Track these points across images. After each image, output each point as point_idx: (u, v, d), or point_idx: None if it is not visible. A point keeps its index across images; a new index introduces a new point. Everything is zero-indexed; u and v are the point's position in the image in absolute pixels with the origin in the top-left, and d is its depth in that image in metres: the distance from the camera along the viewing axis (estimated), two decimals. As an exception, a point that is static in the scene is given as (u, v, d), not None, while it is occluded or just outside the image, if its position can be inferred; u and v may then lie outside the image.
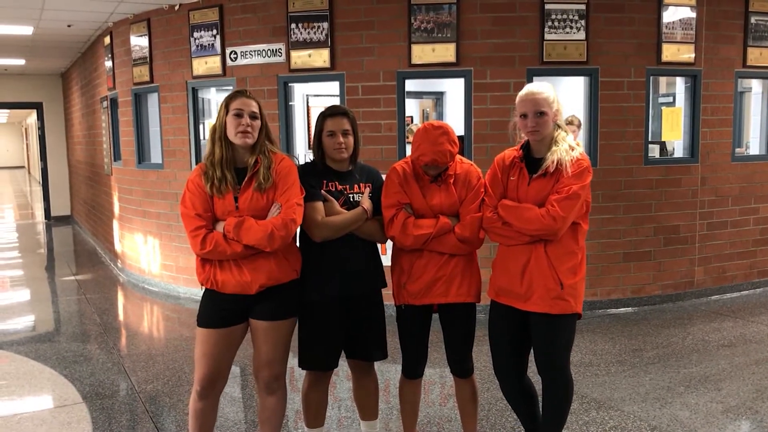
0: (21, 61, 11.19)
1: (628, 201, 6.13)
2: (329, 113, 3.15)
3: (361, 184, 3.15)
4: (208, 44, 6.48)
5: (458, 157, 3.15)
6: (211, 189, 2.90)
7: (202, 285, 3.02)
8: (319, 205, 3.04)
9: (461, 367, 3.23)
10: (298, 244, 3.13)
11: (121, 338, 6.11)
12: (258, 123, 2.93)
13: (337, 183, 3.12)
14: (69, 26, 7.99)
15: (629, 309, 6.25)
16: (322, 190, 3.09)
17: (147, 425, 4.05)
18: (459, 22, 5.76)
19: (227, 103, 2.95)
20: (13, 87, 13.28)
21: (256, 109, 2.93)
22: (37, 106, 13.76)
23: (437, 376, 4.06)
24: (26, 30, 8.05)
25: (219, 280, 2.93)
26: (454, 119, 7.15)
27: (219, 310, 2.98)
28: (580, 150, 2.94)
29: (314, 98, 7.28)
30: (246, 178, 2.92)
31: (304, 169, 3.13)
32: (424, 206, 3.09)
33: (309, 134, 7.13)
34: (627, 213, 6.15)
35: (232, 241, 2.85)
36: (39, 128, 14.11)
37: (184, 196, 2.97)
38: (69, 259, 10.44)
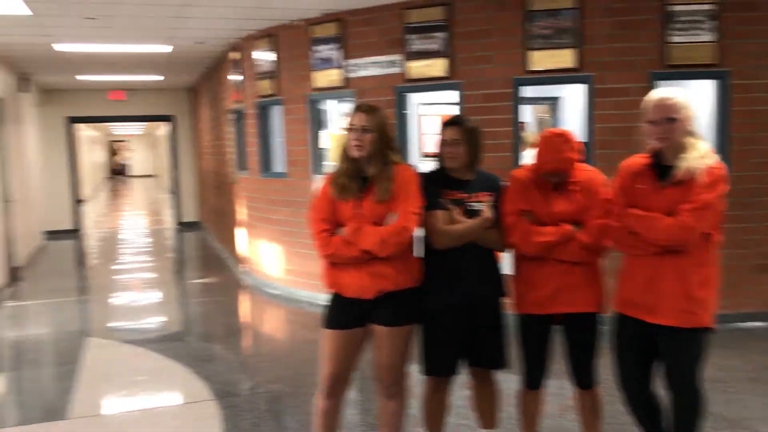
0: (160, 77, 12.01)
1: (762, 209, 5.78)
2: (445, 123, 3.23)
3: (481, 193, 3.17)
4: (329, 57, 6.69)
5: (581, 164, 3.12)
6: (336, 195, 3.05)
7: (327, 288, 3.15)
8: (440, 213, 3.10)
9: (584, 379, 3.18)
10: (416, 252, 3.19)
11: (246, 339, 6.42)
12: (370, 136, 3.02)
13: (458, 191, 3.16)
14: (200, 43, 8.49)
15: (762, 323, 5.88)
16: (443, 199, 3.14)
17: (272, 424, 4.24)
18: (579, 26, 5.66)
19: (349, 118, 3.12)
20: (149, 101, 14.24)
21: (366, 123, 3.03)
22: (170, 119, 14.69)
23: (557, 387, 3.99)
24: (166, 48, 8.63)
25: (341, 283, 3.08)
26: (571, 125, 7.00)
27: (341, 313, 3.12)
28: (714, 158, 2.83)
29: (425, 107, 7.35)
30: (368, 189, 3.03)
31: (427, 178, 3.20)
32: (545, 214, 3.07)
33: (422, 143, 7.22)
34: (761, 222, 5.80)
35: (350, 244, 2.98)
36: (171, 140, 15.04)
37: (313, 202, 3.16)
38: (197, 263, 11.06)
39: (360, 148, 3.03)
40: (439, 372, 3.25)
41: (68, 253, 12.11)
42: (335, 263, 3.09)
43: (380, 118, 3.08)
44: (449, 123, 3.23)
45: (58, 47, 8.25)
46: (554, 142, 3.02)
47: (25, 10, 6.14)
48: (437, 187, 3.16)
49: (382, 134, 3.05)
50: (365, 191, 3.04)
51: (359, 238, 2.97)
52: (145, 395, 4.81)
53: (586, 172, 3.12)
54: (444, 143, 3.18)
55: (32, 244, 11.03)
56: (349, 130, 3.07)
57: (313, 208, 3.16)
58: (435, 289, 3.15)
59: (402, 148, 6.42)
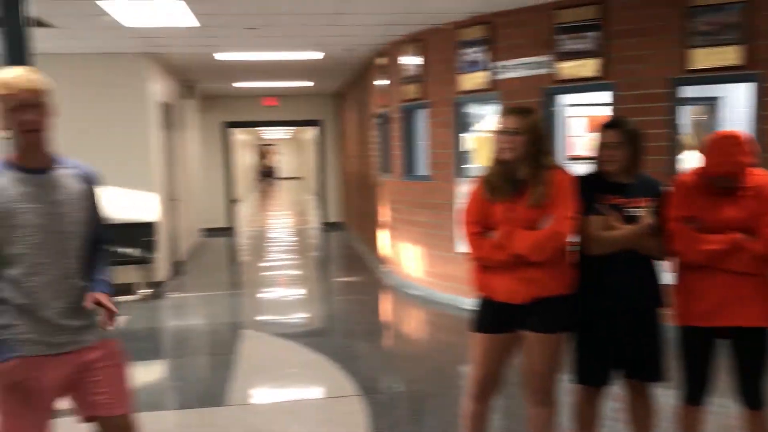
0: (310, 83, 12.54)
1: None
2: (605, 125, 3.14)
3: (641, 198, 3.04)
4: (475, 60, 6.68)
5: (754, 168, 2.91)
6: (488, 196, 3.04)
7: (477, 291, 3.15)
8: (596, 219, 3.01)
9: (752, 399, 2.97)
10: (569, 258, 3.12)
11: (388, 338, 6.54)
12: (521, 138, 2.98)
13: (616, 196, 3.05)
14: (349, 50, 8.76)
15: None
16: (600, 204, 3.04)
17: (416, 423, 4.29)
18: (747, 22, 5.27)
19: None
20: (298, 106, 14.89)
21: (517, 126, 2.99)
22: (318, 123, 15.27)
23: (720, 405, 3.75)
24: (318, 55, 9.00)
25: (491, 287, 3.05)
26: (732, 127, 6.54)
27: (491, 317, 3.10)
28: None
29: (572, 108, 7.14)
30: (520, 192, 2.99)
31: (583, 182, 3.11)
32: (713, 221, 2.89)
33: (568, 145, 7.03)
34: None
35: (502, 248, 2.95)
36: (318, 143, 15.63)
37: (466, 204, 3.17)
38: (340, 262, 11.42)
39: (511, 151, 3.00)
40: (591, 381, 3.15)
41: (222, 250, 12.90)
42: (486, 266, 3.08)
43: (532, 120, 3.04)
44: (609, 125, 3.13)
45: (218, 56, 8.82)
46: (725, 145, 2.84)
47: (195, 22, 6.61)
48: (593, 191, 3.06)
49: (534, 137, 3.00)
50: (518, 194, 3.01)
51: (511, 242, 2.94)
52: (295, 387, 5.03)
53: (759, 176, 2.91)
54: (603, 146, 3.08)
55: (192, 240, 11.85)
56: (500, 132, 3.05)
57: (465, 211, 3.16)
58: (589, 297, 3.06)
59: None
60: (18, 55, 4.23)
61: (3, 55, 4.20)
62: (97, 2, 5.65)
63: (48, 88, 2.44)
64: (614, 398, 3.46)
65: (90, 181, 2.59)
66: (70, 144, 8.84)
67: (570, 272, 3.06)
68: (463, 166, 7.03)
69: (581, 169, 3.25)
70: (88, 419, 2.60)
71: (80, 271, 2.52)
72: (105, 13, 6.02)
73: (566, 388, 3.30)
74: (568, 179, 3.02)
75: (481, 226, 3.06)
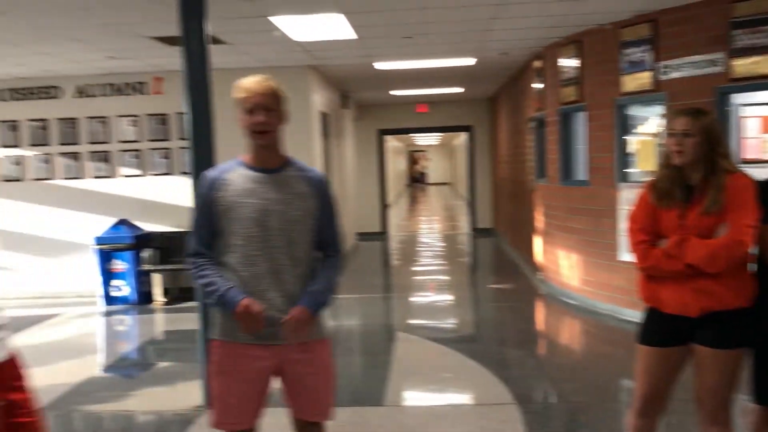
0: (460, 89, 12.58)
1: None
2: None
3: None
4: (639, 60, 6.39)
5: None
6: (657, 202, 2.90)
7: (644, 301, 3.01)
8: (782, 228, 2.77)
9: None
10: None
11: (543, 347, 6.40)
12: (692, 141, 2.80)
13: (804, 203, 2.80)
14: (504, 54, 8.69)
15: None
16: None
17: (576, 435, 4.17)
18: None
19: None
20: (449, 112, 14.97)
21: (688, 127, 2.81)
22: (468, 129, 15.26)
23: None
24: (470, 61, 9.02)
25: (661, 298, 2.89)
26: None
27: (659, 329, 2.94)
28: None
29: (747, 108, 6.61)
30: (693, 198, 2.83)
31: (764, 187, 2.88)
32: None
33: (742, 147, 6.52)
34: None
35: (673, 258, 2.79)
36: (468, 149, 15.61)
37: (632, 211, 3.03)
38: (491, 268, 11.33)
39: (681, 155, 2.83)
40: (772, 403, 2.91)
41: (375, 254, 13.22)
42: (653, 276, 2.93)
43: (706, 122, 2.85)
44: None
45: (378, 66, 9.08)
46: None
47: (352, 35, 6.86)
48: (780, 198, 2.83)
49: (707, 139, 2.81)
50: (690, 200, 2.83)
51: (684, 251, 2.77)
52: (449, 392, 5.05)
53: None
54: None
55: (348, 243, 12.25)
56: (671, 135, 2.89)
57: (631, 218, 3.02)
58: (771, 311, 2.82)
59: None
60: (197, 71, 4.60)
61: (183, 71, 4.60)
62: (270, 18, 6.01)
63: (282, 95, 2.65)
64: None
65: (317, 185, 2.69)
66: (245, 151, 9.40)
67: (749, 284, 2.83)
68: (625, 171, 6.74)
69: (758, 173, 3.00)
70: (294, 420, 2.75)
71: (296, 269, 2.62)
72: (276, 29, 6.39)
73: (743, 408, 3.07)
74: (747, 184, 2.80)
75: (649, 234, 2.90)
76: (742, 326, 2.82)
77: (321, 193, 2.69)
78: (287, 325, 2.55)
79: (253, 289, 2.57)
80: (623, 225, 6.60)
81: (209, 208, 2.62)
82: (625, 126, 6.80)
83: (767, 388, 2.88)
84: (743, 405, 3.05)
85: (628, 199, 6.56)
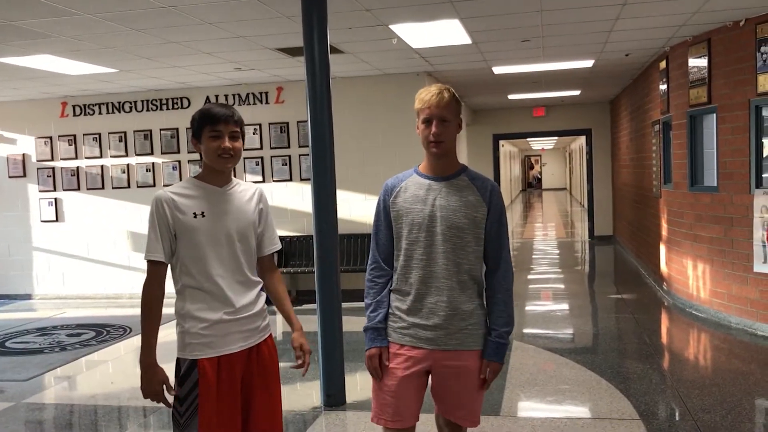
0: (576, 92, 12.24)
1: None
2: None
3: None
4: (778, 57, 5.98)
5: None
6: None
7: None
8: None
9: None
10: None
11: (670, 361, 6.09)
12: None
13: None
14: (627, 55, 8.38)
15: None
16: None
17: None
18: None
19: None
20: (566, 116, 14.60)
21: None
22: (587, 133, 14.81)
23: None
24: (587, 63, 8.76)
25: None
26: None
27: None
28: None
29: None
30: None
31: None
32: None
33: None
34: None
35: None
36: (587, 153, 15.14)
37: None
38: (611, 277, 10.90)
39: None
40: None
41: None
42: None
43: None
44: None
45: (497, 70, 8.99)
46: None
47: (467, 40, 6.83)
48: None
49: None
50: None
51: None
52: (567, 404, 4.90)
53: None
54: None
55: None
56: None
57: None
58: None
59: None
60: (318, 80, 4.74)
61: (306, 80, 4.75)
62: (390, 26, 6.10)
63: (457, 106, 2.68)
64: None
65: (488, 195, 2.67)
66: (362, 158, 9.56)
67: None
68: (761, 176, 6.31)
69: None
70: (440, 417, 2.85)
71: (460, 275, 2.65)
72: (395, 36, 6.48)
73: None
74: None
75: None
76: None
77: (491, 202, 2.69)
78: (487, 384, 2.71)
79: (415, 291, 2.65)
80: (760, 234, 6.19)
81: (386, 213, 2.73)
82: (762, 128, 6.37)
83: None
84: None
85: (765, 206, 6.14)
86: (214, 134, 2.57)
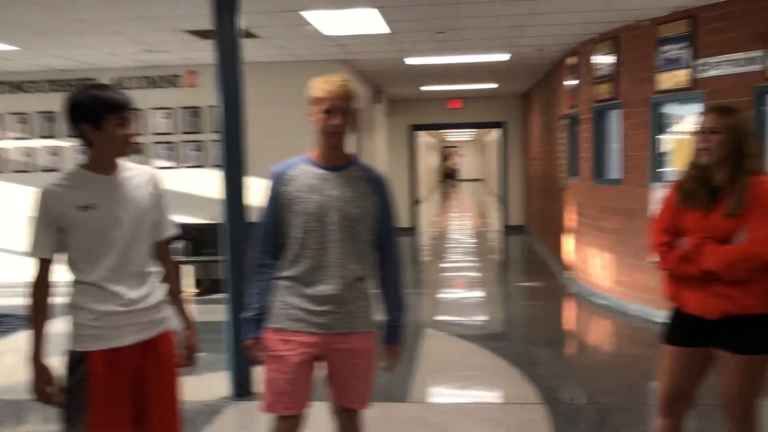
0: (494, 85, 12.49)
1: None
2: None
3: None
4: (676, 57, 6.27)
5: None
6: (682, 202, 2.88)
7: (667, 299, 2.99)
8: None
9: None
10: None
11: (572, 347, 6.33)
12: (717, 139, 2.76)
13: None
14: (539, 50, 8.60)
15: None
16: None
17: (603, 437, 4.12)
18: None
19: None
20: (482, 108, 14.88)
21: (714, 125, 2.78)
22: (501, 125, 15.15)
23: None
24: (504, 56, 8.94)
25: (682, 298, 2.89)
26: None
27: (681, 329, 2.93)
28: None
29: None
30: (717, 200, 2.79)
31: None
32: None
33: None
34: None
35: (690, 262, 2.77)
36: (501, 145, 15.50)
37: (658, 210, 3.02)
38: (521, 266, 11.24)
39: (706, 153, 2.79)
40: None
41: (405, 250, 13.20)
42: (677, 275, 2.90)
43: (733, 120, 2.79)
44: None
45: (409, 61, 9.04)
46: None
47: (385, 29, 6.84)
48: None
49: (734, 138, 2.75)
50: (714, 202, 2.79)
51: (700, 257, 2.74)
52: (475, 389, 5.02)
53: None
54: None
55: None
56: (697, 132, 2.85)
57: (656, 218, 3.02)
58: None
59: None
60: (230, 65, 4.64)
61: (216, 64, 4.63)
62: (301, 13, 6.03)
63: (357, 96, 2.69)
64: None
65: (378, 185, 2.74)
66: (277, 145, 9.42)
67: None
68: (659, 170, 6.62)
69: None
70: (333, 404, 2.83)
71: (352, 264, 2.68)
72: (307, 23, 6.41)
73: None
74: None
75: (671, 235, 2.90)
76: (766, 332, 2.76)
77: (381, 193, 2.74)
78: (388, 366, 2.83)
79: (307, 279, 2.66)
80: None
81: (275, 201, 2.70)
82: (660, 125, 6.68)
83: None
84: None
85: (660, 199, 6.46)
86: (122, 121, 2.46)
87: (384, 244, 2.78)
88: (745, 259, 2.66)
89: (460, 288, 9.18)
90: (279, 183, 2.70)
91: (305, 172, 2.70)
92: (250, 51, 7.42)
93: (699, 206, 2.82)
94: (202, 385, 5.21)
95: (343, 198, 2.66)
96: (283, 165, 2.76)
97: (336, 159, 2.71)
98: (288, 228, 2.68)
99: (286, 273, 2.70)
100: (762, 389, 2.83)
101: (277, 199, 2.69)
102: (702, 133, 2.82)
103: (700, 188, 2.83)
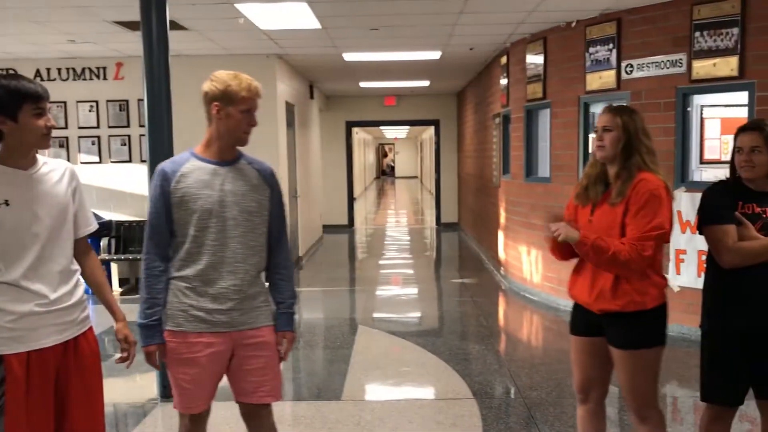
0: (426, 83, 12.57)
1: None
2: (741, 128, 2.92)
3: (785, 207, 2.81)
4: (604, 59, 6.44)
5: None
6: (575, 199, 3.01)
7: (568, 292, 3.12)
8: (731, 228, 2.80)
9: None
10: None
11: (504, 342, 6.43)
12: (610, 136, 2.85)
13: (755, 205, 2.84)
14: (471, 49, 8.69)
15: None
16: (737, 212, 2.83)
17: (531, 431, 4.19)
18: None
19: None
20: (416, 106, 14.97)
21: (608, 123, 2.87)
22: (435, 123, 15.27)
23: None
24: (435, 55, 9.00)
25: (574, 290, 3.03)
26: None
27: (579, 319, 3.06)
28: None
29: (709, 109, 6.72)
30: (607, 193, 2.89)
31: (717, 189, 2.92)
32: None
33: (702, 148, 6.62)
34: None
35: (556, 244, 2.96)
36: (435, 143, 15.63)
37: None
38: (455, 262, 11.36)
39: (601, 150, 2.89)
40: (720, 400, 2.94)
41: (341, 247, 13.17)
42: (575, 269, 3.04)
43: (626, 118, 2.87)
44: (747, 128, 2.90)
45: (347, 57, 9.01)
46: None
47: (316, 24, 6.78)
48: (729, 199, 2.86)
49: (627, 136, 2.83)
50: (604, 196, 2.89)
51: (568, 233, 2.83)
52: (408, 386, 5.04)
53: None
54: (739, 151, 2.86)
55: (313, 236, 12.18)
56: (595, 131, 2.98)
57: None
58: (721, 312, 2.87)
59: (683, 154, 5.97)
60: (156, 57, 4.51)
61: (143, 56, 4.49)
62: (235, 5, 5.91)
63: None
64: (746, 419, 3.22)
65: (268, 177, 2.76)
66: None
67: (653, 286, 2.83)
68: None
69: (718, 174, 3.04)
70: (238, 401, 2.79)
71: (251, 258, 2.68)
72: (242, 16, 6.28)
73: (693, 406, 3.12)
74: (658, 185, 2.78)
75: None
76: (651, 325, 2.85)
77: (271, 184, 2.77)
78: (284, 353, 2.81)
79: (206, 278, 2.63)
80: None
81: (165, 200, 2.63)
82: (590, 124, 6.86)
83: (715, 386, 2.93)
84: (694, 402, 3.08)
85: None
86: (39, 111, 2.36)
87: (276, 234, 2.79)
88: (619, 263, 2.72)
89: (394, 285, 9.21)
90: (169, 181, 2.63)
91: (196, 168, 2.65)
92: (180, 44, 7.27)
93: (589, 202, 2.92)
94: (130, 387, 5.08)
95: (238, 192, 2.65)
96: (172, 162, 2.71)
97: (229, 154, 2.70)
98: (181, 226, 2.64)
99: (181, 273, 2.65)
100: (655, 382, 2.91)
101: (168, 198, 2.63)
102: (597, 131, 2.91)
103: (595, 185, 2.93)
